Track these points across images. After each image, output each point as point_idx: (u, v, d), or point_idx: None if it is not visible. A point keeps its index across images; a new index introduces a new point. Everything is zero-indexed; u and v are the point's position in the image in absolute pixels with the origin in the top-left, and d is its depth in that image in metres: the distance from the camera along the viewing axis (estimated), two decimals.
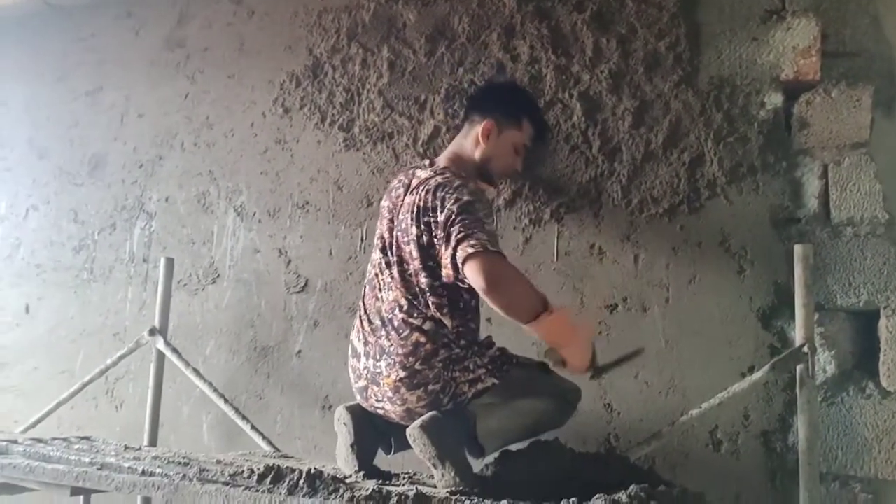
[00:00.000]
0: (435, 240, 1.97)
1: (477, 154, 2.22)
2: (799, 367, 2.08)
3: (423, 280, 2.00)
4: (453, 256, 1.89)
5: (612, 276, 2.49)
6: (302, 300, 2.91)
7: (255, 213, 3.07)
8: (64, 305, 3.39)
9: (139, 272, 3.26)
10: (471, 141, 2.24)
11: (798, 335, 2.10)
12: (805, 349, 2.07)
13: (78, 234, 3.43)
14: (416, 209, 2.02)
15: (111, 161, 3.42)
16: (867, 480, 2.14)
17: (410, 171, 2.23)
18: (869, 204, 2.25)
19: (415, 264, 2.02)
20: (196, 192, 3.20)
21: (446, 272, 1.93)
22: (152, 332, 2.88)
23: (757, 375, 2.13)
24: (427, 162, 2.23)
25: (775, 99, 2.39)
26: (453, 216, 1.91)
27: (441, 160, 2.22)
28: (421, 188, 2.05)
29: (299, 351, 2.89)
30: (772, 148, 2.36)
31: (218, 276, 3.09)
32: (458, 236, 1.88)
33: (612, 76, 2.57)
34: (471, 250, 1.84)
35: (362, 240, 2.85)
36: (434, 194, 1.99)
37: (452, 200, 1.94)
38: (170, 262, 2.96)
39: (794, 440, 2.16)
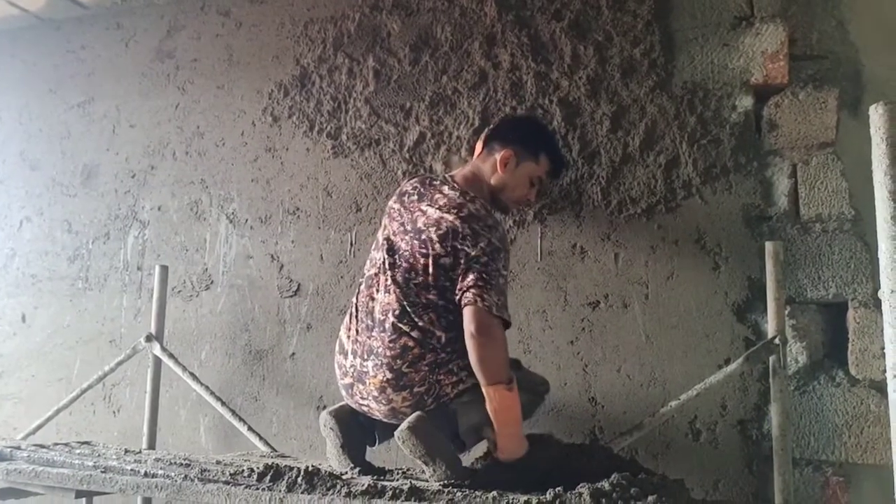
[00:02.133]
0: (459, 266, 2.05)
1: (493, 180, 2.29)
2: (772, 358, 2.18)
3: (430, 296, 2.06)
4: (464, 292, 2.00)
5: (593, 274, 2.59)
6: (294, 304, 3.00)
7: (246, 220, 3.14)
8: (60, 314, 3.45)
9: (134, 280, 3.33)
10: (489, 167, 2.30)
11: (770, 327, 2.20)
12: (777, 341, 2.17)
13: (72, 243, 3.49)
14: (446, 229, 2.08)
15: (103, 171, 3.48)
16: (838, 464, 2.25)
17: (428, 182, 2.28)
18: (836, 201, 2.35)
19: (426, 279, 2.07)
20: (188, 200, 3.27)
21: (458, 297, 2.03)
22: (149, 338, 2.95)
23: (732, 367, 2.23)
24: (448, 178, 2.28)
25: (746, 102, 2.49)
26: (480, 256, 2.02)
27: (460, 179, 2.27)
28: (453, 211, 2.11)
29: (293, 353, 2.97)
30: (743, 149, 2.47)
31: (211, 282, 3.16)
32: (477, 282, 1.99)
33: (589, 82, 2.67)
34: (479, 302, 1.97)
35: (352, 244, 2.93)
36: (468, 223, 2.07)
37: (486, 241, 2.04)
38: (164, 270, 3.04)
39: (769, 428, 2.26)
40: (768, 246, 2.22)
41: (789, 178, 2.42)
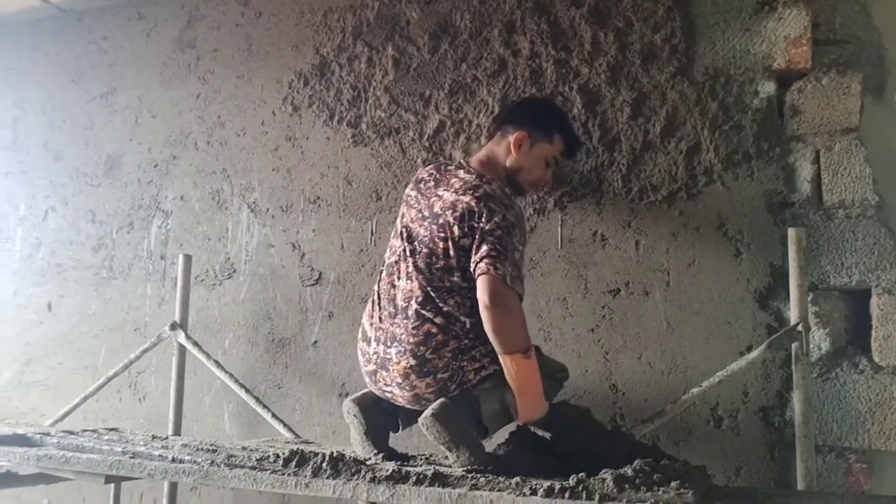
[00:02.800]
0: (474, 244, 2.06)
1: (508, 162, 2.29)
2: (794, 345, 2.18)
3: (454, 278, 2.08)
4: (477, 263, 2.02)
5: (614, 262, 2.59)
6: (316, 292, 3.02)
7: (268, 209, 3.17)
8: (85, 302, 3.51)
9: (157, 269, 3.37)
10: (503, 149, 2.31)
11: (793, 314, 2.20)
12: (800, 328, 2.16)
13: (96, 233, 3.53)
14: (462, 211, 2.09)
15: (126, 161, 3.52)
16: (861, 451, 2.24)
17: (444, 167, 2.30)
18: (859, 187, 2.34)
19: (448, 262, 2.09)
20: (210, 189, 3.30)
21: (472, 268, 2.05)
22: (173, 326, 2.99)
23: (755, 354, 2.23)
24: (463, 162, 2.31)
25: (768, 87, 2.47)
26: (495, 230, 2.04)
27: (475, 163, 2.28)
28: (469, 192, 2.12)
29: (315, 341, 3.00)
30: (765, 135, 2.45)
31: (234, 270, 3.20)
32: (491, 252, 2.01)
33: (610, 69, 2.66)
34: (492, 271, 1.99)
35: (373, 233, 2.95)
36: (483, 202, 2.08)
37: (500, 217, 2.05)
38: (188, 259, 3.07)
39: (791, 415, 2.26)
40: (791, 232, 2.21)
41: (812, 164, 2.40)
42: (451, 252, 2.08)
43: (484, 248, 2.02)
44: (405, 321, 2.10)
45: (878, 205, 2.31)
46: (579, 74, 2.69)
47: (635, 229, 2.57)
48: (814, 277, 2.33)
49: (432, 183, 2.25)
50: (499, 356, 2.01)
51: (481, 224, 2.05)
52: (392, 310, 2.15)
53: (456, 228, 2.08)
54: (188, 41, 3.47)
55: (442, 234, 2.11)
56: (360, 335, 2.27)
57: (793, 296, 2.19)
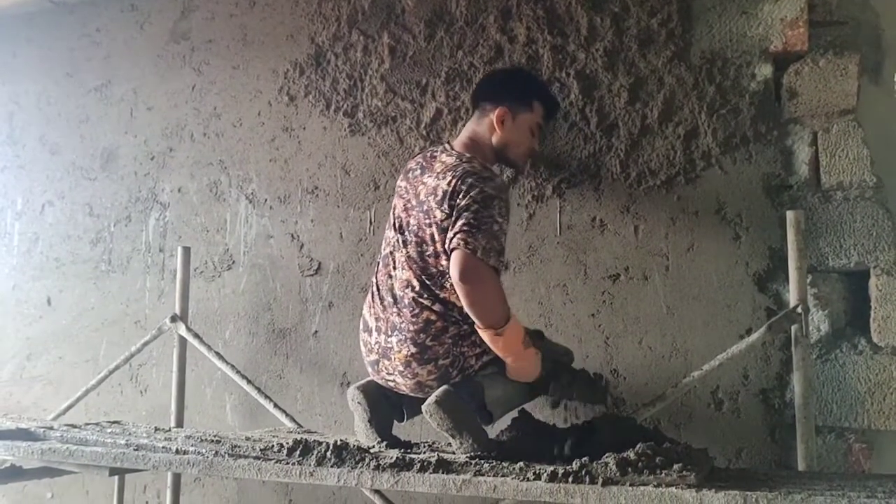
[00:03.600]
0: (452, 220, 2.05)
1: (494, 140, 2.28)
2: (794, 327, 2.19)
3: (443, 263, 2.08)
4: (451, 239, 2.01)
5: (613, 247, 2.60)
6: (316, 282, 3.02)
7: (266, 200, 3.16)
8: (84, 296, 3.50)
9: (156, 261, 3.37)
10: (485, 128, 2.29)
11: (792, 297, 2.20)
12: (799, 310, 2.17)
13: (94, 226, 3.53)
14: (443, 194, 2.08)
15: (123, 154, 3.50)
16: (861, 431, 2.26)
17: (430, 154, 2.30)
18: (857, 168, 2.34)
19: (436, 247, 2.09)
20: (208, 181, 3.29)
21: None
22: (174, 318, 2.99)
23: (754, 337, 2.23)
24: (447, 146, 2.29)
25: (765, 70, 2.47)
26: (471, 204, 2.01)
27: (458, 146, 2.27)
28: (448, 173, 2.11)
29: (315, 331, 3.01)
30: (763, 118, 2.45)
31: (233, 262, 3.20)
32: (463, 227, 1.99)
33: (606, 54, 2.65)
34: (462, 245, 1.97)
35: (371, 222, 2.95)
36: (462, 180, 2.06)
37: (477, 190, 2.03)
38: (186, 251, 3.07)
39: (791, 396, 2.28)
40: (789, 215, 2.21)
41: (810, 146, 2.41)
42: (437, 237, 2.08)
43: (458, 223, 2.01)
44: (404, 310, 2.11)
45: (876, 186, 2.32)
46: (576, 60, 2.69)
47: (634, 214, 2.58)
48: (812, 259, 2.34)
49: (419, 171, 2.26)
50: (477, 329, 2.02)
51: (458, 201, 2.04)
52: (390, 300, 2.16)
53: (438, 212, 2.08)
54: (182, 32, 3.45)
55: (427, 221, 2.11)
56: (361, 326, 2.28)
57: (792, 278, 2.20)
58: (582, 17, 2.69)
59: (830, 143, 2.38)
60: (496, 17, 2.82)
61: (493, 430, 2.10)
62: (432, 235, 2.10)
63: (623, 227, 2.59)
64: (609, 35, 2.65)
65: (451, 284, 2.05)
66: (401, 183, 2.33)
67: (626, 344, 2.54)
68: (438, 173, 2.15)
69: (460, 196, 2.04)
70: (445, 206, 2.06)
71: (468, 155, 2.19)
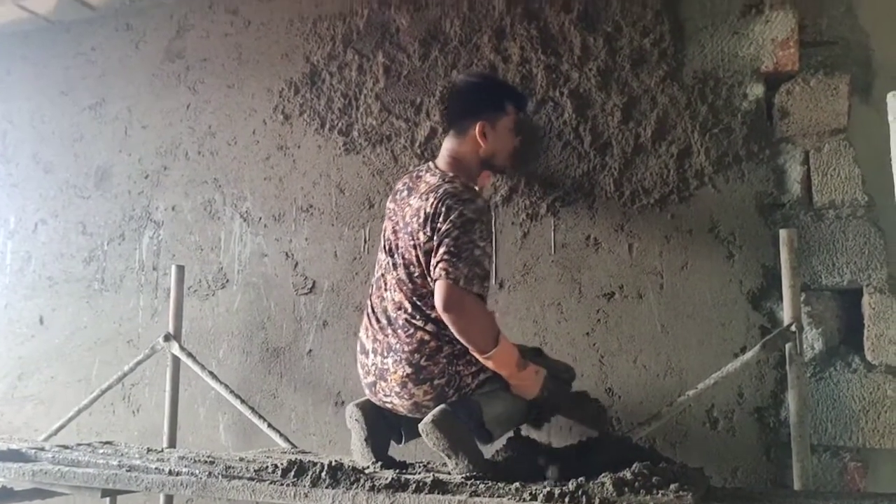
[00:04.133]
0: (434, 245, 2.06)
1: (481, 154, 2.27)
2: (788, 346, 2.20)
3: (430, 283, 2.08)
4: (434, 267, 2.03)
5: (608, 266, 2.60)
6: (310, 301, 3.02)
7: (260, 219, 3.16)
8: (77, 315, 3.49)
9: (150, 280, 3.36)
10: (469, 145, 2.27)
11: (786, 315, 2.22)
12: (793, 328, 2.18)
13: (87, 245, 3.52)
14: (425, 216, 2.09)
15: (117, 172, 3.50)
16: (856, 450, 2.26)
17: (416, 175, 2.31)
18: (849, 187, 2.36)
19: (422, 269, 2.10)
20: (202, 199, 3.29)
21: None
22: (167, 337, 2.98)
23: (749, 355, 2.24)
24: (432, 165, 2.29)
25: (757, 90, 2.49)
26: (451, 230, 2.02)
27: (443, 164, 2.26)
28: (431, 195, 2.11)
29: (310, 350, 3.00)
30: (755, 137, 2.47)
31: (227, 280, 3.19)
32: (444, 256, 2.01)
33: (600, 73, 2.67)
34: (443, 275, 1.99)
35: (366, 241, 2.95)
36: (443, 201, 2.07)
37: (457, 213, 2.04)
38: (181, 270, 3.06)
39: (786, 415, 2.27)
40: (783, 233, 2.23)
41: (802, 165, 2.43)
42: (422, 259, 2.09)
43: (440, 250, 2.03)
44: (398, 331, 2.11)
45: (868, 205, 2.33)
46: (570, 79, 2.71)
47: (628, 233, 2.59)
48: (806, 278, 2.35)
49: (406, 192, 2.27)
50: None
51: (439, 224, 2.05)
52: (385, 321, 2.17)
53: (421, 234, 2.09)
54: (177, 51, 3.46)
55: (412, 243, 2.12)
56: (358, 348, 2.28)
57: (785, 296, 2.21)
58: (575, 37, 2.72)
59: (822, 162, 2.40)
60: (490, 36, 2.84)
61: (488, 451, 2.09)
62: (417, 258, 2.11)
63: (617, 245, 2.60)
64: (602, 55, 2.67)
65: (433, 307, 2.06)
66: (389, 205, 2.34)
67: (621, 362, 2.54)
68: (422, 194, 2.16)
69: (440, 219, 2.05)
70: (427, 228, 2.08)
71: (451, 174, 2.20)
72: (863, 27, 2.50)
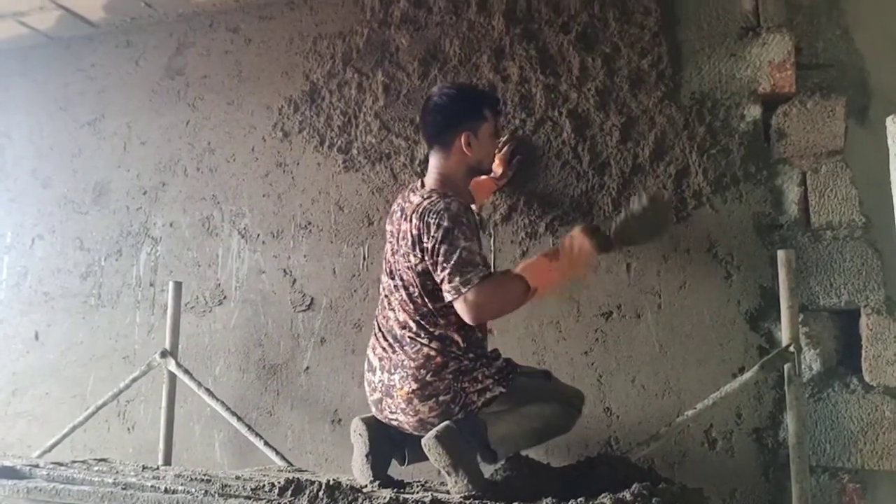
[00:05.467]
0: (430, 266, 2.10)
1: (469, 162, 2.28)
2: (786, 366, 2.20)
3: (432, 303, 2.12)
4: (443, 291, 2.07)
5: (606, 285, 2.61)
6: (308, 318, 3.01)
7: (258, 235, 3.16)
8: (73, 331, 3.47)
9: (146, 296, 3.35)
10: (455, 157, 2.27)
11: (784, 335, 2.22)
12: (791, 349, 2.19)
13: (84, 260, 3.51)
14: (412, 237, 2.13)
15: (115, 188, 3.50)
16: (854, 471, 2.26)
17: (406, 195, 2.32)
18: (846, 208, 2.37)
19: (420, 288, 2.13)
20: (200, 216, 3.29)
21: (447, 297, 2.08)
22: (163, 354, 2.97)
23: (747, 375, 2.24)
24: (418, 185, 2.32)
25: (754, 111, 2.51)
26: (436, 246, 2.06)
27: (430, 182, 2.28)
28: (414, 215, 2.15)
29: (307, 367, 2.99)
30: (752, 158, 2.49)
31: (225, 297, 3.18)
32: (444, 276, 2.05)
33: (598, 94, 2.69)
34: (453, 294, 2.04)
35: (364, 258, 2.95)
36: (422, 219, 2.11)
37: (435, 227, 2.07)
38: (178, 286, 3.05)
39: (785, 436, 2.27)
40: (780, 254, 2.24)
41: (799, 186, 2.44)
42: (417, 280, 2.13)
43: (438, 270, 2.07)
44: (405, 348, 2.14)
45: (865, 226, 2.35)
46: (568, 99, 2.73)
47: (626, 252, 2.59)
48: (803, 298, 2.36)
49: (399, 214, 2.29)
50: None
51: (425, 244, 2.10)
52: (392, 339, 2.19)
53: (412, 256, 2.13)
54: (177, 68, 3.47)
55: (407, 264, 2.16)
56: (365, 366, 2.29)
57: (784, 317, 2.22)
58: (574, 57, 2.74)
59: (819, 183, 2.41)
60: (489, 56, 2.86)
61: (488, 470, 2.09)
62: (413, 279, 2.15)
63: (615, 264, 2.60)
64: (601, 75, 2.69)
65: (444, 322, 2.11)
66: (387, 227, 2.36)
67: (619, 382, 2.54)
68: (409, 215, 2.18)
69: (424, 238, 2.09)
70: (417, 249, 2.12)
71: (430, 189, 2.22)
72: (858, 50, 2.53)
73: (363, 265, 2.94)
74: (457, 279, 2.02)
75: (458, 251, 2.04)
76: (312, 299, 3.02)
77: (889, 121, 1.59)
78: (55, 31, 3.69)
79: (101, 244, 3.49)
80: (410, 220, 2.15)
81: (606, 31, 2.72)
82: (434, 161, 2.31)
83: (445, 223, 2.07)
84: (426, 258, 2.09)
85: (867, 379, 2.27)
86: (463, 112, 2.30)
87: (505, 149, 2.67)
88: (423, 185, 2.29)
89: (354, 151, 3.04)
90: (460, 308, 2.04)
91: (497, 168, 2.64)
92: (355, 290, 2.94)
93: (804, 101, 2.46)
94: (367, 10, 3.10)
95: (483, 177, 2.49)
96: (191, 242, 3.30)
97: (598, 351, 2.58)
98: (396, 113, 2.98)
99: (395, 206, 2.36)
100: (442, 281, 2.05)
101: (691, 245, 2.52)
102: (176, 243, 3.33)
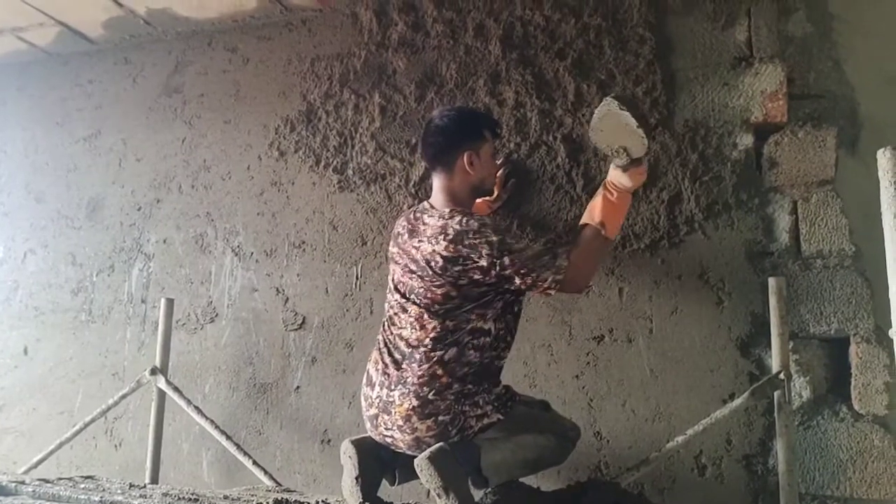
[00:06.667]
0: (476, 285, 2.12)
1: (473, 182, 2.30)
2: (776, 393, 2.21)
3: (448, 323, 2.12)
4: (534, 291, 2.15)
5: (598, 309, 2.62)
6: (300, 337, 3.01)
7: (252, 254, 3.16)
8: (63, 346, 3.45)
9: (138, 313, 3.34)
10: (459, 178, 2.29)
11: (774, 362, 2.23)
12: (781, 376, 2.20)
13: (76, 276, 3.50)
14: (442, 259, 2.11)
15: (109, 204, 3.50)
16: (843, 500, 2.26)
17: (412, 216, 2.33)
18: (836, 237, 2.40)
19: (444, 307, 2.13)
20: (194, 233, 3.29)
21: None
22: (153, 371, 2.95)
23: (737, 402, 2.25)
24: (427, 205, 2.32)
25: (746, 140, 2.54)
26: (495, 261, 2.08)
27: (439, 203, 2.29)
28: (441, 237, 2.14)
29: (298, 387, 2.98)
30: (744, 186, 2.51)
31: (216, 315, 3.17)
32: (528, 281, 2.10)
33: None
34: (556, 287, 2.11)
35: (357, 277, 2.95)
36: (460, 242, 2.10)
37: (487, 247, 2.08)
38: (170, 303, 3.04)
39: (774, 463, 2.28)
40: (772, 281, 2.25)
41: (790, 214, 2.47)
42: (442, 300, 2.12)
43: (517, 280, 2.10)
44: (412, 364, 2.13)
45: (855, 255, 2.37)
46: (563, 124, 2.75)
47: (619, 277, 2.61)
48: (794, 326, 2.37)
49: (406, 235, 2.29)
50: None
51: (475, 262, 2.09)
52: (398, 357, 2.18)
53: (441, 279, 2.12)
54: (175, 86, 3.49)
55: (437, 282, 2.13)
56: (364, 380, 2.28)
57: (774, 344, 2.23)
58: (569, 83, 2.77)
59: (810, 212, 2.44)
60: (486, 80, 2.88)
61: (478, 493, 2.08)
62: (445, 294, 2.13)
63: (608, 288, 2.61)
64: (595, 101, 2.71)
65: (459, 344, 2.11)
66: (392, 249, 2.36)
67: (610, 406, 2.54)
68: (430, 237, 2.17)
69: (471, 260, 2.09)
70: (449, 273, 2.11)
71: (447, 210, 2.23)
72: (849, 81, 2.57)
73: (356, 285, 2.94)
74: (548, 274, 2.08)
75: (525, 250, 2.10)
76: (304, 318, 3.01)
77: (880, 153, 1.61)
78: (54, 47, 3.71)
79: (94, 260, 3.48)
80: (436, 242, 2.14)
81: (602, 58, 2.75)
82: (439, 182, 2.33)
83: (493, 237, 2.10)
84: (474, 276, 2.10)
85: (856, 407, 2.28)
86: (464, 132, 2.33)
87: (500, 172, 2.68)
88: (432, 206, 2.30)
89: (350, 172, 3.05)
90: (569, 289, 2.15)
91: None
92: (347, 310, 2.94)
93: (796, 131, 2.50)
94: (364, 32, 3.13)
95: (479, 199, 2.50)
96: (184, 259, 3.29)
97: (589, 374, 2.58)
98: (392, 134, 3.00)
99: (399, 229, 2.36)
100: (531, 287, 2.10)
101: (683, 271, 2.54)
102: (169, 260, 3.32)
